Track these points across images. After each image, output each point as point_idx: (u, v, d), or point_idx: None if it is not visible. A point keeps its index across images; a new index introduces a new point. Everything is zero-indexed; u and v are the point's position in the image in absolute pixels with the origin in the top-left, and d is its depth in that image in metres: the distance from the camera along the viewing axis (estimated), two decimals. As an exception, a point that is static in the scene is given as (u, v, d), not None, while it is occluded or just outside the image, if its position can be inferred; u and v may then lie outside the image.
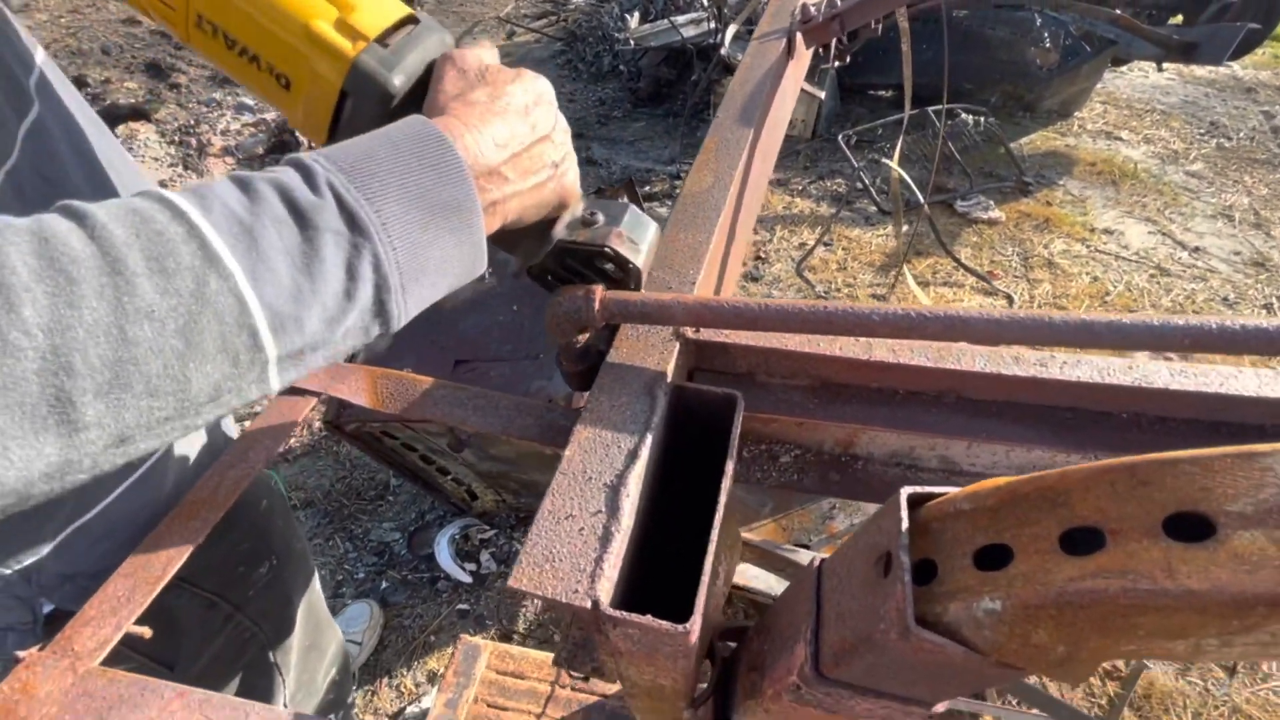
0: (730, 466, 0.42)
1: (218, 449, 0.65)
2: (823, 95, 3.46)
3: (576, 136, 3.92)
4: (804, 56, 1.04)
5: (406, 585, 1.67)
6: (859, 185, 3.11)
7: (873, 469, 0.59)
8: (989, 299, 2.53)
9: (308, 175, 0.33)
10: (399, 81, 0.42)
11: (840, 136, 3.15)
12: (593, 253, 0.49)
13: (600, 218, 0.50)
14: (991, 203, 3.00)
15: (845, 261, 2.74)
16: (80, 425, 0.25)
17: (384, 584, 1.67)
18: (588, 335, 0.51)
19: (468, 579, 1.66)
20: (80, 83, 4.21)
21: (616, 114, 4.11)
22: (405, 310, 0.36)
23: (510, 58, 5.17)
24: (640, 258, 0.50)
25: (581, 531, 0.39)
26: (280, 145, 3.17)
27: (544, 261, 0.50)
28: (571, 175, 0.47)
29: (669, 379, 0.48)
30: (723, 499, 0.42)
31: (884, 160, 2.49)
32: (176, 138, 3.12)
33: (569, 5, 5.92)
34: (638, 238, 0.50)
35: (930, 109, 3.27)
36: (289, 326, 0.31)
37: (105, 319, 0.26)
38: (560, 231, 0.49)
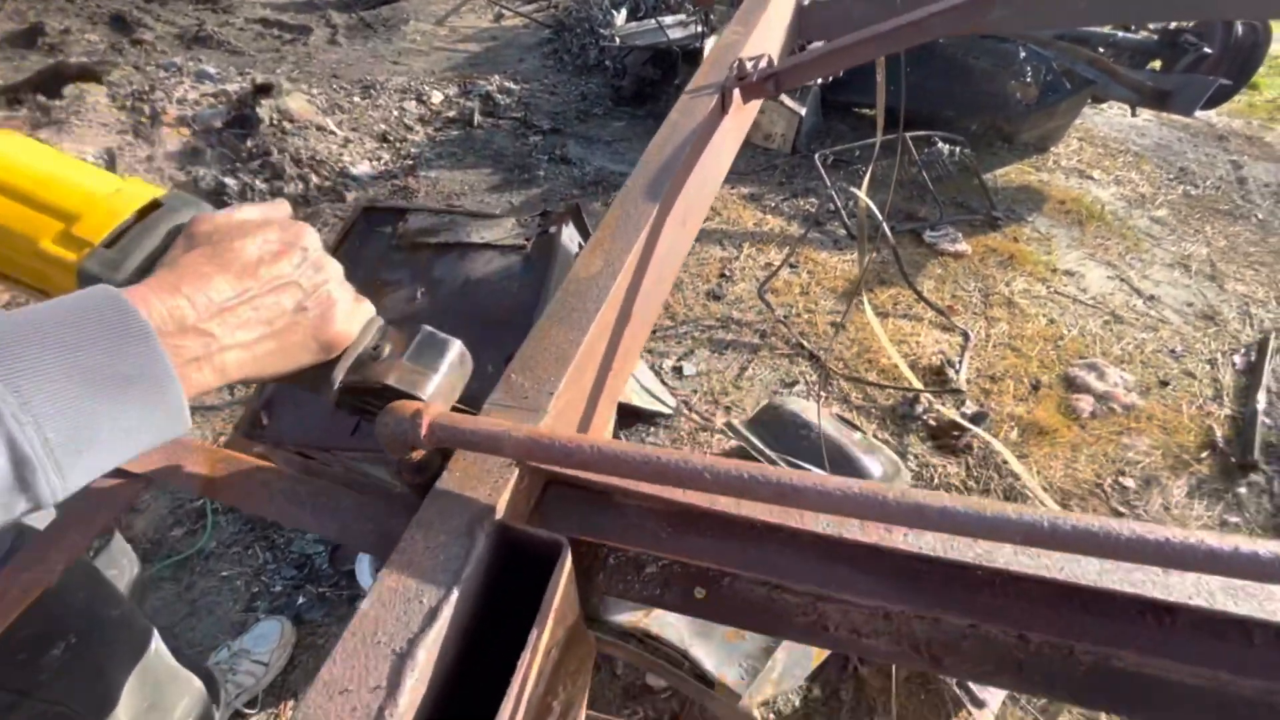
0: (535, 636, 0.39)
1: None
2: (803, 111, 3.43)
3: (554, 132, 3.85)
4: (746, 109, 1.00)
5: (324, 602, 1.62)
6: (831, 207, 3.10)
7: (740, 586, 0.56)
8: (946, 334, 2.53)
9: None
10: (122, 278, 0.44)
11: (817, 155, 3.13)
12: (373, 390, 0.47)
13: (386, 349, 0.49)
14: (959, 235, 3.01)
15: (809, 285, 2.72)
16: None
17: (301, 599, 1.62)
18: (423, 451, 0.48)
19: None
20: (37, 31, 4.01)
21: (597, 111, 4.04)
22: (66, 485, 0.35)
23: (497, 41, 5.05)
24: (429, 387, 0.48)
25: (354, 712, 0.35)
26: (240, 119, 3.05)
27: (340, 399, 0.49)
28: (336, 319, 0.47)
29: (498, 515, 0.44)
30: (523, 668, 0.38)
31: (852, 189, 2.48)
32: (129, 103, 2.98)
33: (559, -9, 5.78)
34: (427, 365, 0.49)
35: (908, 135, 3.27)
36: None
37: None
38: (340, 372, 0.48)
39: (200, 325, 0.41)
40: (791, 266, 2.81)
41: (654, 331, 2.49)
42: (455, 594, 0.40)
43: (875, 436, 2.11)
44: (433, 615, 0.39)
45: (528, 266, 1.38)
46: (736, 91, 0.94)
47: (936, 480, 2.01)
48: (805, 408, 1.73)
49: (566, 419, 0.55)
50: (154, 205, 0.47)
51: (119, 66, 3.25)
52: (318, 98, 3.56)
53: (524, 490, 0.49)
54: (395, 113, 3.74)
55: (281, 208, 0.49)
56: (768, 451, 1.64)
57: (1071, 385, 2.34)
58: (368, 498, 0.52)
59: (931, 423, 2.16)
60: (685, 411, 2.17)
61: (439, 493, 0.45)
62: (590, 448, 0.42)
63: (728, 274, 2.77)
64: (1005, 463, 1.98)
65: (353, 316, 0.49)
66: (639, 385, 2.03)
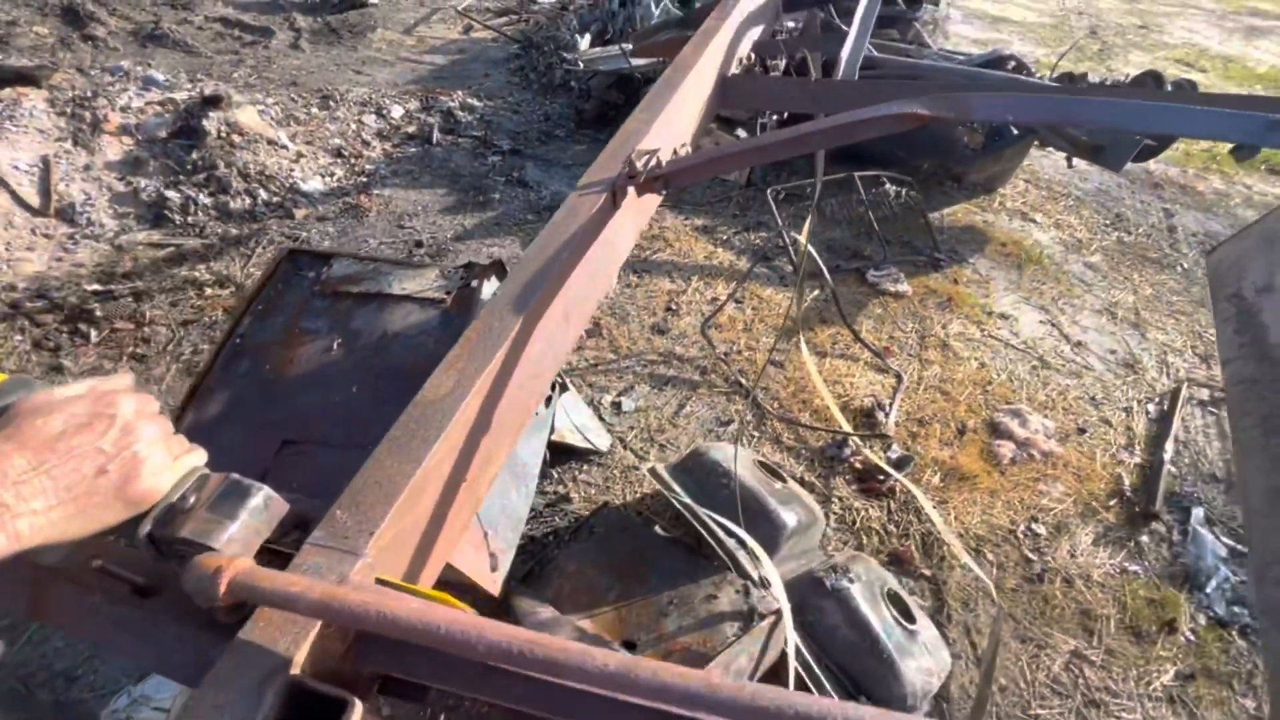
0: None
1: None
2: (758, 145, 3.50)
3: (514, 153, 3.86)
4: (644, 200, 1.04)
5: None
6: (779, 242, 3.16)
7: None
8: (881, 375, 2.61)
9: None
10: None
11: (769, 190, 3.19)
12: (177, 541, 0.50)
13: (191, 500, 0.52)
14: (902, 275, 3.10)
15: (752, 322, 2.78)
16: None
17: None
18: None
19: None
20: (-20, 22, 3.88)
21: (559, 133, 4.05)
22: None
23: (465, 54, 5.03)
24: (223, 536, 0.51)
25: None
26: (186, 130, 2.99)
27: (160, 551, 0.52)
28: (142, 478, 0.51)
29: (294, 669, 0.46)
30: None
31: (792, 233, 2.54)
32: (69, 109, 2.90)
33: (534, 6, 5.80)
34: (225, 514, 0.52)
35: (857, 174, 3.36)
36: None
37: None
38: (146, 525, 0.51)
39: None
40: (737, 302, 2.87)
41: (596, 365, 2.52)
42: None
43: (803, 479, 2.17)
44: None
45: (446, 320, 1.39)
46: (631, 188, 0.97)
47: (858, 524, 2.07)
48: (729, 455, 1.78)
49: (389, 559, 0.57)
50: None
51: (60, 70, 3.16)
52: (272, 108, 3.51)
53: (334, 634, 0.51)
54: (353, 126, 3.70)
55: (114, 381, 0.55)
56: (686, 499, 1.68)
57: (995, 431, 2.43)
58: (188, 629, 0.53)
59: (858, 466, 2.23)
60: (620, 449, 2.20)
61: (239, 644, 0.47)
62: (376, 614, 0.44)
63: (674, 308, 2.81)
64: (924, 510, 2.06)
65: (162, 473, 0.53)
66: (572, 423, 2.06)
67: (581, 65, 4.00)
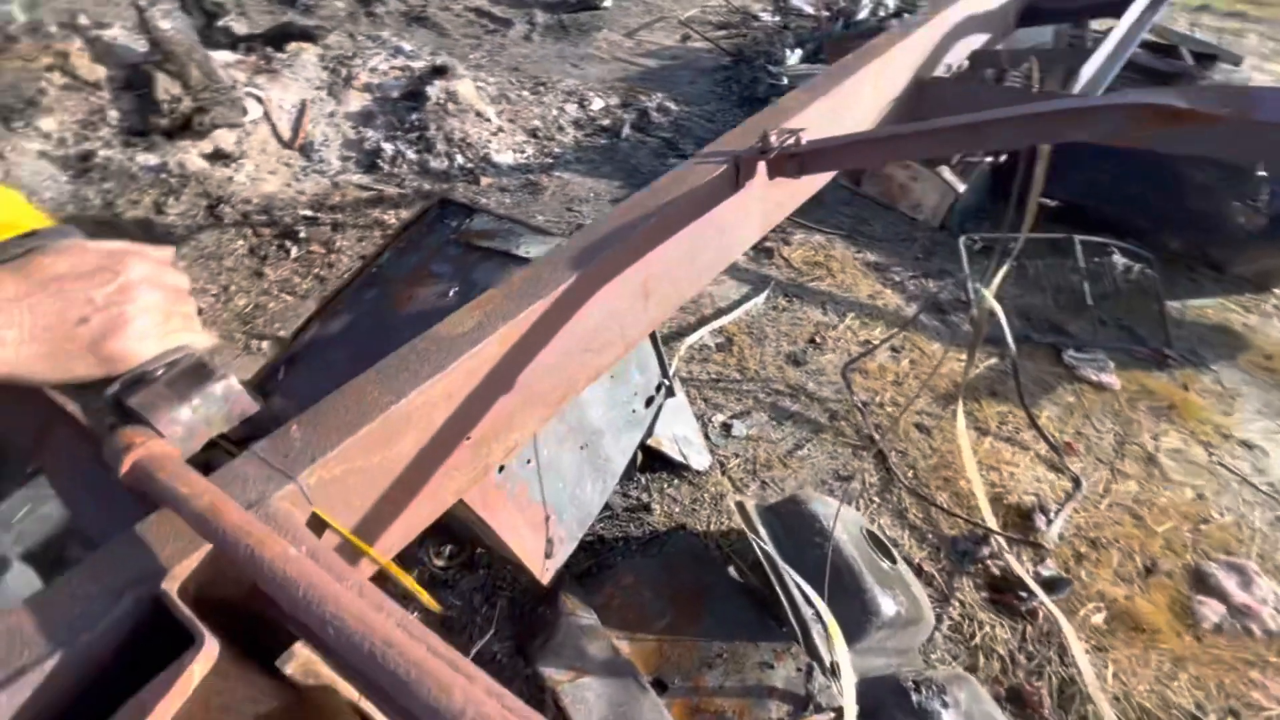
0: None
1: None
2: (961, 188, 3.11)
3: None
4: (772, 188, 0.89)
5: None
6: (962, 296, 2.77)
7: None
8: (1053, 474, 2.15)
9: None
10: None
11: (963, 238, 2.82)
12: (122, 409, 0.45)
13: (159, 373, 0.48)
14: (1110, 364, 2.55)
15: (905, 376, 2.44)
16: None
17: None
18: None
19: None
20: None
21: (746, 145, 3.96)
22: None
23: (677, 61, 5.15)
24: (167, 415, 0.47)
25: None
26: (414, 94, 3.35)
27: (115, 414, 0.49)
28: (121, 337, 0.49)
29: (164, 583, 0.40)
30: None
31: (978, 285, 2.18)
32: (332, 65, 3.39)
33: (755, 23, 5.79)
34: (179, 393, 0.48)
35: (1080, 237, 2.85)
36: None
37: None
38: (114, 386, 0.48)
39: None
40: (894, 350, 2.55)
41: (717, 381, 2.37)
42: (57, 660, 0.36)
43: (920, 566, 1.84)
44: (16, 678, 0.35)
45: (557, 291, 1.34)
46: (762, 165, 0.83)
47: (977, 640, 1.70)
48: (832, 512, 1.54)
49: (338, 498, 0.49)
50: (32, 232, 0.53)
51: (334, 33, 3.72)
52: (490, 86, 3.83)
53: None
54: (554, 112, 3.92)
55: (150, 249, 0.53)
56: (769, 549, 1.47)
57: (1201, 583, 1.88)
58: (117, 508, 0.50)
59: (995, 571, 1.84)
60: (717, 473, 2.03)
61: (129, 536, 0.42)
62: (245, 548, 0.36)
63: (818, 341, 2.57)
64: (1071, 651, 1.63)
65: (145, 339, 0.50)
66: (673, 433, 1.93)
67: (786, 80, 3.87)
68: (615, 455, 1.62)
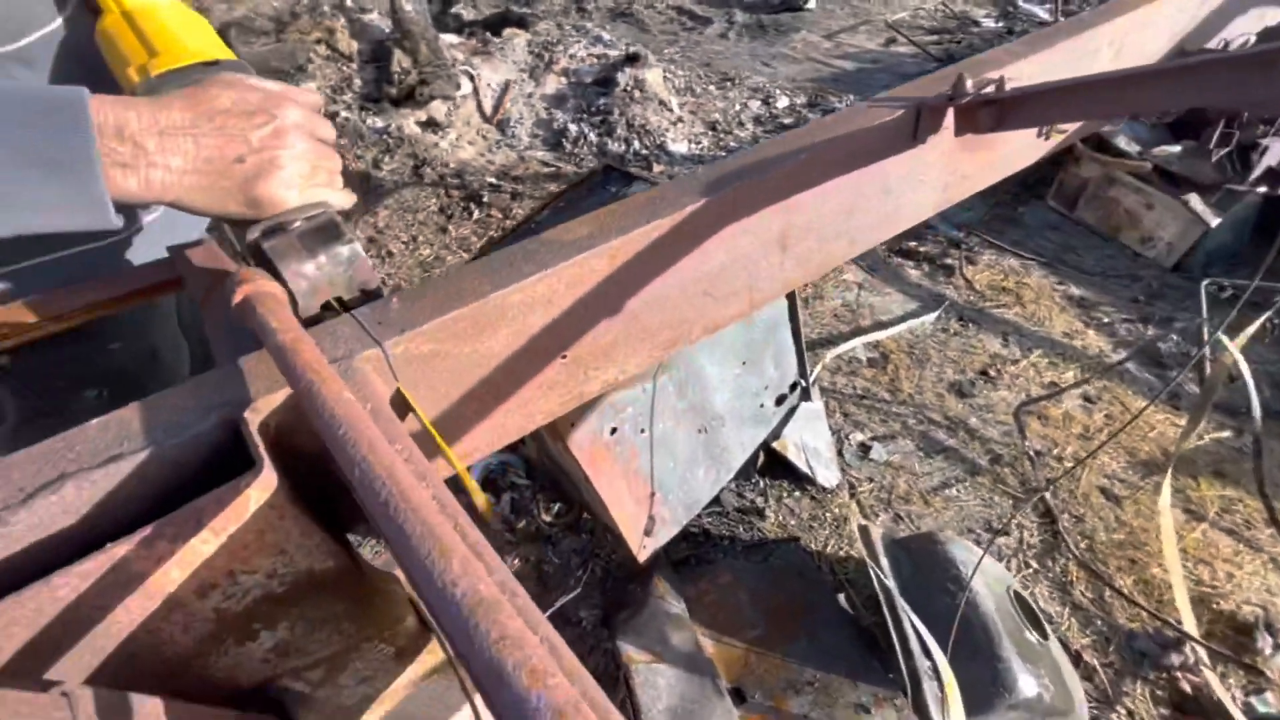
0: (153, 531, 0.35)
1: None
2: (1213, 222, 2.56)
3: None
4: (958, 148, 0.76)
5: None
6: (1191, 351, 2.28)
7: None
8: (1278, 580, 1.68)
9: None
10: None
11: (1206, 282, 2.32)
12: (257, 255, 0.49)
13: (296, 225, 0.50)
14: (1407, 467, 1.94)
15: (1096, 430, 2.06)
16: None
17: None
18: None
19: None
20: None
21: (941, 155, 3.61)
22: None
23: (876, 65, 4.86)
24: (293, 265, 0.48)
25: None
26: (605, 80, 3.49)
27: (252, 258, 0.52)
28: (270, 182, 0.50)
29: (247, 412, 0.41)
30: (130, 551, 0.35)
31: (1222, 336, 1.76)
32: (538, 50, 3.64)
33: (974, 29, 5.29)
34: (308, 246, 0.49)
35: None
36: None
37: None
38: (255, 230, 0.51)
39: (137, 137, 0.47)
40: (1086, 400, 2.16)
41: (862, 397, 2.17)
42: (145, 455, 0.38)
43: (1079, 653, 1.53)
44: (113, 462, 0.38)
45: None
46: (950, 116, 0.71)
47: (1146, 764, 1.37)
48: (972, 560, 1.32)
49: (421, 379, 0.49)
50: (214, 62, 0.56)
51: (544, 20, 4.00)
52: (678, 78, 3.88)
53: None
54: (737, 107, 3.87)
55: (304, 93, 0.55)
56: (890, 584, 1.30)
57: None
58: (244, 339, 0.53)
59: (1185, 687, 1.47)
60: (845, 494, 1.85)
61: (235, 367, 0.44)
62: (309, 390, 0.36)
63: (992, 373, 2.25)
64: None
65: (290, 188, 0.52)
66: (802, 440, 1.80)
67: (999, 87, 3.46)
68: (734, 448, 1.54)
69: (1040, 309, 2.54)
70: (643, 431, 1.29)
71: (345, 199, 0.56)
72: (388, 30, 3.44)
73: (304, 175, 0.52)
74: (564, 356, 0.58)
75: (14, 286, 0.70)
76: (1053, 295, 2.60)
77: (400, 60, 3.23)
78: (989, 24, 5.22)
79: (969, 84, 0.67)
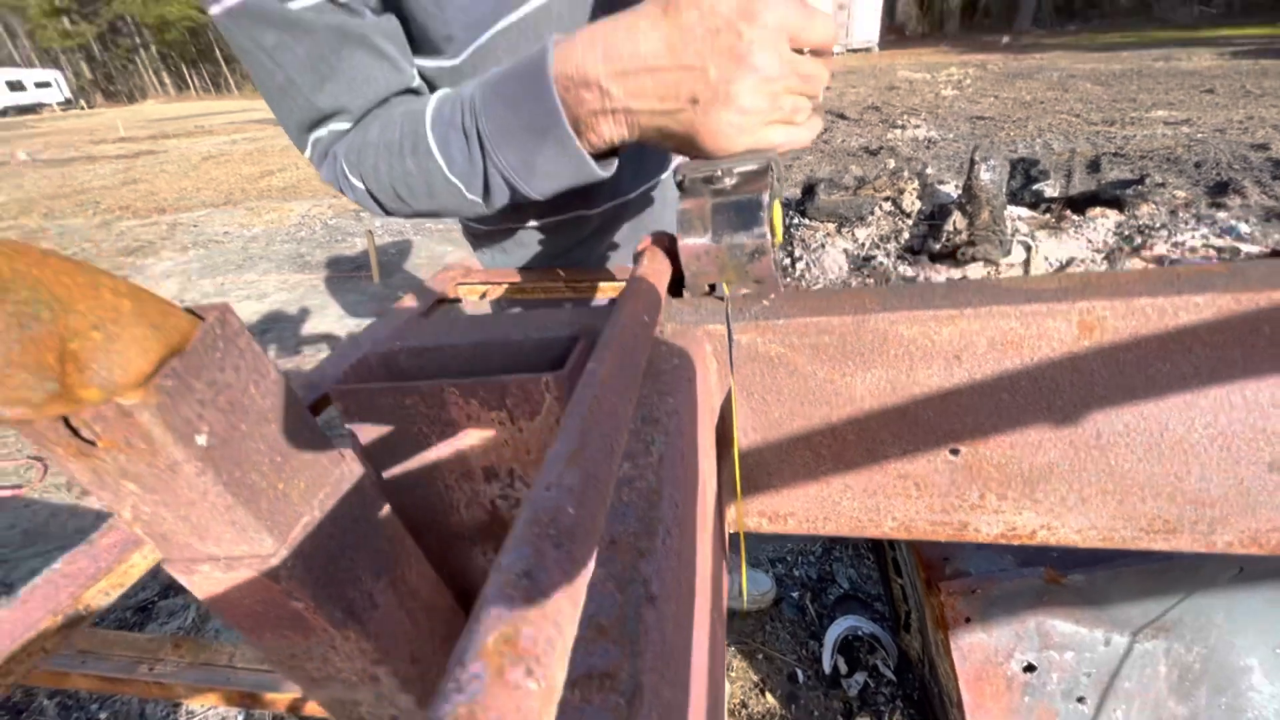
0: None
1: None
2: None
3: None
4: None
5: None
6: None
7: None
8: None
9: (469, 107, 0.51)
10: None
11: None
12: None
13: (725, 184, 0.41)
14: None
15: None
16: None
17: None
18: None
19: (827, 670, 1.47)
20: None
21: None
22: (526, 189, 0.51)
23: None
24: (689, 239, 0.41)
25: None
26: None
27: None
28: (715, 133, 0.43)
29: (586, 339, 0.41)
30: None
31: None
32: (1127, 232, 3.09)
33: None
34: (723, 225, 0.41)
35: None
36: (460, 175, 0.53)
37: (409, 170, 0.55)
38: (685, 172, 0.42)
39: (601, 82, 0.44)
40: None
41: None
42: (522, 338, 0.43)
43: None
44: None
45: None
46: None
47: None
48: None
49: (751, 385, 0.40)
50: None
51: (1149, 203, 3.36)
52: None
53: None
54: None
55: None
56: None
57: None
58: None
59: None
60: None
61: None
62: (622, 304, 0.33)
63: None
64: None
65: (740, 135, 0.43)
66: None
67: None
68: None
69: None
70: (1080, 701, 0.84)
71: (803, 136, 0.45)
72: (955, 197, 3.53)
73: (760, 112, 0.43)
74: (954, 451, 0.40)
75: (547, 239, 0.83)
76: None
77: (956, 221, 3.26)
78: None
79: None
